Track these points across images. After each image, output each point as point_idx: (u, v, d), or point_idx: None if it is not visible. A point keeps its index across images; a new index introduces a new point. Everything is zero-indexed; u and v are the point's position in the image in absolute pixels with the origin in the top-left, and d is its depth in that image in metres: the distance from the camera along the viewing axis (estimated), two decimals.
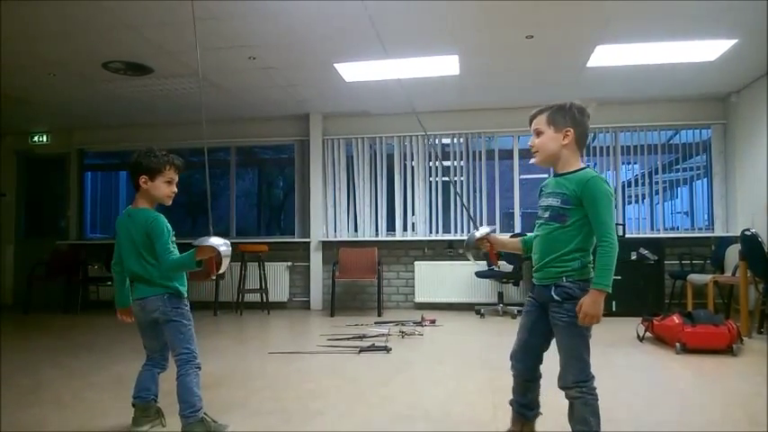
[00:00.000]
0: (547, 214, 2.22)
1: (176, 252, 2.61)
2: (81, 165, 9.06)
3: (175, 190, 2.71)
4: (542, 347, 2.31)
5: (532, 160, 2.34)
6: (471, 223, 7.61)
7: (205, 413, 2.61)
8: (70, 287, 7.87)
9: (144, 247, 2.60)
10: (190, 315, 2.69)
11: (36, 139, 9.05)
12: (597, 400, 2.15)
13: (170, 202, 2.70)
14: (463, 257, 7.34)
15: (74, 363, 4.43)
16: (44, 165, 9.32)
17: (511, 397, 2.43)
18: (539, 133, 2.25)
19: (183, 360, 2.60)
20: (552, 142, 2.21)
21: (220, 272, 2.50)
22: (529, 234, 2.47)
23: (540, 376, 2.36)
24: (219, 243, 2.47)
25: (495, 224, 7.70)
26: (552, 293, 2.16)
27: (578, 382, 2.14)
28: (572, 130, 2.19)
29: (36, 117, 8.20)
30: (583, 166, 2.20)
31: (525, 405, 2.37)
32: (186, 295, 2.72)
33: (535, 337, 2.29)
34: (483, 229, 2.50)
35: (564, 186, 2.17)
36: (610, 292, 2.07)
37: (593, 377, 2.17)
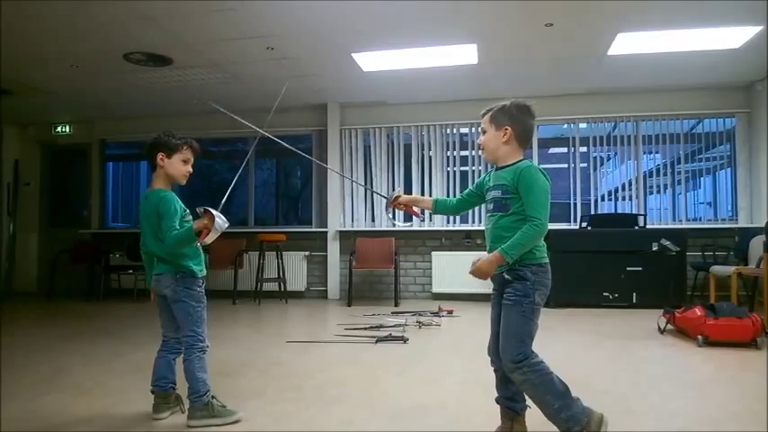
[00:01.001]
0: (491, 206, 2.35)
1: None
2: (103, 155, 9.18)
3: (191, 170, 2.75)
4: None
5: (483, 155, 2.50)
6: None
7: (213, 397, 2.65)
8: (92, 275, 8.00)
9: (157, 226, 2.63)
10: (201, 297, 2.72)
11: (59, 129, 9.20)
12: (545, 373, 2.17)
13: (184, 182, 2.73)
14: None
15: (94, 349, 4.49)
16: (67, 155, 9.47)
17: (496, 395, 2.44)
18: (484, 132, 2.39)
19: (188, 343, 2.66)
20: (493, 140, 2.35)
21: (207, 241, 2.48)
22: (442, 198, 2.78)
23: None
24: (217, 214, 2.47)
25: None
26: (505, 275, 2.27)
27: (515, 363, 2.17)
28: (509, 128, 2.31)
29: (59, 108, 8.32)
30: (520, 158, 2.33)
31: (510, 398, 2.38)
32: (201, 275, 2.75)
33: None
34: (392, 194, 2.77)
35: (503, 178, 2.30)
36: (509, 261, 2.19)
37: (532, 353, 2.19)
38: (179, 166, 2.70)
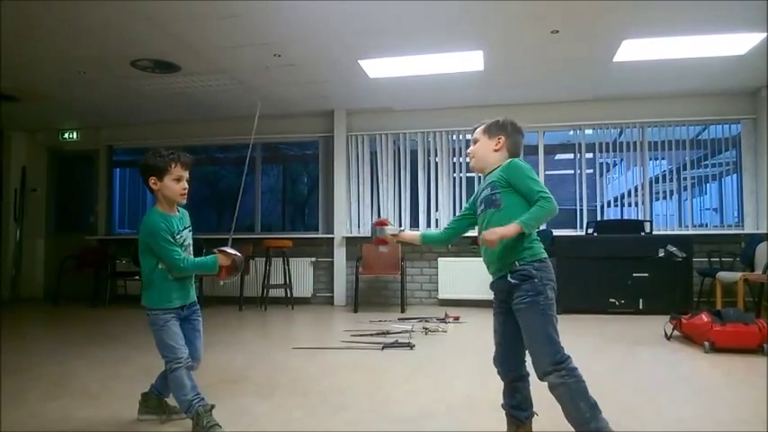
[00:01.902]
0: (483, 205, 2.38)
1: (183, 251, 2.67)
2: (110, 161, 9.23)
3: (186, 186, 2.68)
4: (520, 345, 2.29)
5: (471, 164, 2.53)
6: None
7: (199, 408, 2.60)
8: (99, 281, 8.02)
9: (146, 247, 2.65)
10: (159, 313, 2.68)
11: (66, 135, 9.24)
12: (582, 381, 2.12)
13: (184, 201, 2.70)
14: None
15: (101, 354, 4.51)
16: (74, 161, 9.52)
17: (502, 401, 2.43)
18: (476, 142, 2.47)
19: (166, 363, 2.67)
20: (485, 148, 2.43)
21: (226, 279, 2.59)
22: (429, 232, 2.78)
23: (527, 374, 2.36)
24: (238, 255, 2.59)
25: None
26: (509, 279, 2.24)
27: (555, 365, 2.11)
28: (503, 138, 2.39)
29: (66, 114, 8.37)
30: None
31: (515, 406, 2.37)
32: (173, 305, 2.70)
33: (510, 337, 2.31)
34: (390, 230, 2.75)
35: (491, 177, 2.37)
36: (525, 232, 2.17)
37: (569, 357, 2.15)
38: (172, 186, 2.63)
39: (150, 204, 2.72)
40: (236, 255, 2.68)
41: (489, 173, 2.40)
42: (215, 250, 2.69)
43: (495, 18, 4.94)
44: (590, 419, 2.07)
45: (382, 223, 2.75)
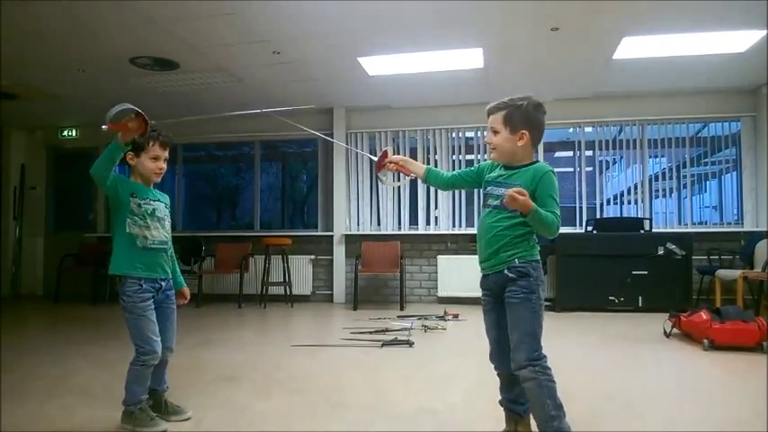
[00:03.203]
0: (496, 202, 2.24)
1: (153, 220, 2.64)
2: None
3: (162, 166, 2.68)
4: None
5: (492, 155, 2.34)
6: None
7: (142, 409, 2.60)
8: (98, 279, 8.00)
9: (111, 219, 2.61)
10: (136, 300, 2.61)
11: (65, 133, 9.24)
12: (553, 381, 2.13)
13: (158, 179, 2.70)
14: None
15: (101, 353, 4.50)
16: (73, 159, 9.49)
17: (500, 397, 2.43)
18: (495, 131, 2.28)
19: (138, 354, 2.64)
20: (508, 143, 2.25)
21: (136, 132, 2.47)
22: (435, 169, 2.64)
23: None
24: (127, 105, 2.44)
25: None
26: (506, 272, 2.22)
27: (531, 360, 2.13)
28: (527, 133, 2.24)
29: (65, 112, 8.35)
30: (535, 160, 2.29)
31: (513, 400, 2.37)
32: (138, 274, 2.61)
33: (504, 332, 2.28)
34: (380, 154, 2.65)
35: (517, 179, 2.21)
36: (528, 214, 2.08)
37: (546, 357, 2.16)
38: (148, 164, 2.64)
39: None
40: (120, 108, 2.48)
41: (515, 167, 2.26)
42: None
43: (495, 15, 4.93)
44: (554, 418, 2.11)
45: (385, 154, 2.65)
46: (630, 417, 2.78)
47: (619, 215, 7.82)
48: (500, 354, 2.34)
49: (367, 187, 8.14)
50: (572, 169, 7.80)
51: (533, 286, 2.20)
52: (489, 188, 2.31)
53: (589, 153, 7.73)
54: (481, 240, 2.32)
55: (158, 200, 2.72)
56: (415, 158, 7.98)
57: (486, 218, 2.30)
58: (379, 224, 8.09)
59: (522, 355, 2.16)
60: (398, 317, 6.28)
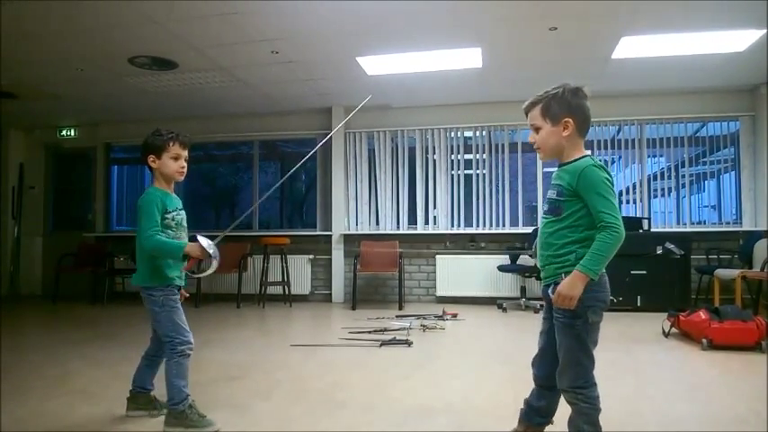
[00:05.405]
0: (546, 207, 2.12)
1: (179, 231, 2.68)
2: (107, 158, 9.22)
3: (184, 165, 2.72)
4: (557, 357, 2.15)
5: (540, 156, 2.21)
6: (490, 217, 7.59)
7: (191, 406, 2.61)
8: (97, 278, 8.00)
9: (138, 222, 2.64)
10: (168, 294, 2.67)
11: (64, 133, 9.23)
12: (595, 409, 2.02)
13: (181, 178, 2.73)
14: (485, 251, 7.35)
15: (100, 353, 4.50)
16: (72, 158, 9.51)
17: (527, 396, 2.34)
18: (537, 129, 2.12)
19: (166, 347, 2.65)
20: (552, 137, 2.08)
21: (202, 275, 2.55)
22: None
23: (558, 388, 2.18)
24: (211, 249, 2.54)
25: (517, 217, 7.65)
26: (549, 292, 2.07)
27: (574, 388, 2.03)
28: (571, 120, 2.05)
29: (64, 111, 8.34)
30: (582, 154, 2.08)
31: (536, 410, 2.26)
32: (177, 283, 2.72)
33: (550, 344, 2.15)
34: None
35: (561, 178, 2.06)
36: (593, 278, 1.93)
37: (594, 385, 2.04)
38: (170, 164, 2.68)
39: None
40: (209, 249, 2.56)
41: (563, 165, 2.09)
42: (195, 236, 2.63)
43: (494, 15, 4.93)
44: None
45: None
46: (629, 414, 2.78)
47: None
48: (540, 362, 2.23)
49: (366, 187, 8.13)
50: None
51: (579, 310, 1.98)
52: (547, 196, 2.17)
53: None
54: (538, 251, 2.17)
55: (181, 208, 2.76)
56: (414, 158, 8.01)
57: (541, 223, 2.18)
58: (377, 224, 8.09)
59: (564, 382, 2.06)
60: (397, 316, 6.28)
